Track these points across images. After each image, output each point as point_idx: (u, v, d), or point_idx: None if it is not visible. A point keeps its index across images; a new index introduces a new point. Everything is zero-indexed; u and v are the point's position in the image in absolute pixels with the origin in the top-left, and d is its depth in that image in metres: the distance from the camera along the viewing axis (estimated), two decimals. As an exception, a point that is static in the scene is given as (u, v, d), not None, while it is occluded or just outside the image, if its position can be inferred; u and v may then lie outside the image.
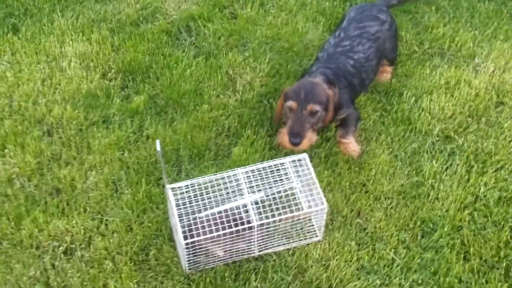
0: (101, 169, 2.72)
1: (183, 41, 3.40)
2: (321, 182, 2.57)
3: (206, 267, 2.33)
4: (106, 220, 2.53)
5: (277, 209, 2.26)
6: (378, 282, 2.27)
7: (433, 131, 2.78)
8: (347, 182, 2.59)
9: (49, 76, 3.20)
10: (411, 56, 3.19)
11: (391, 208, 2.49)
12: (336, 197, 2.53)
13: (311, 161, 2.56)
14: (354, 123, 2.76)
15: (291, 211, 2.27)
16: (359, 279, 2.27)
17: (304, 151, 2.51)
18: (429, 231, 2.41)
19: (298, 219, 2.32)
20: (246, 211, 2.28)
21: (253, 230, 2.23)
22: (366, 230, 2.43)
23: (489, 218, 2.44)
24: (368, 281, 2.27)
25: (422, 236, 2.40)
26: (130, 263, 2.36)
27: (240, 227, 2.21)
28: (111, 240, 2.44)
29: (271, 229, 2.30)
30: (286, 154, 2.63)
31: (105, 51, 3.30)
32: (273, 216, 2.25)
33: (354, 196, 2.54)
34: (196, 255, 2.27)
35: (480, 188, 2.52)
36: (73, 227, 2.49)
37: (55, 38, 3.39)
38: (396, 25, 3.06)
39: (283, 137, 2.65)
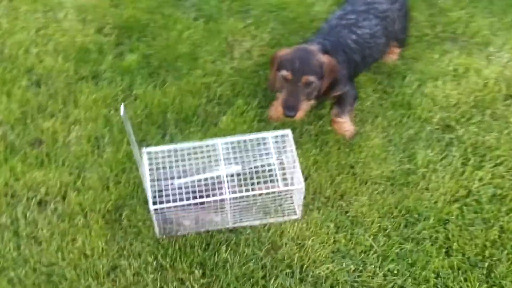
0: (85, 124, 2.73)
1: (185, 1, 3.37)
2: (307, 160, 2.56)
3: (178, 233, 2.34)
4: (83, 176, 2.55)
5: (252, 183, 2.26)
6: (352, 267, 2.26)
7: (433, 119, 2.75)
8: (335, 163, 2.57)
9: (44, 26, 3.23)
10: (421, 39, 3.14)
11: (377, 193, 2.48)
12: (321, 176, 2.52)
13: (300, 137, 2.57)
14: (351, 102, 2.73)
15: (266, 187, 2.26)
16: (332, 261, 2.27)
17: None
18: (413, 222, 2.39)
19: (275, 195, 2.31)
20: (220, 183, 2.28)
21: (225, 202, 2.22)
22: (348, 214, 2.42)
23: (479, 215, 2.41)
24: (342, 265, 2.27)
25: (405, 226, 2.38)
26: (102, 221, 2.38)
27: (211, 199, 2.21)
28: (85, 196, 2.47)
29: (246, 203, 2.29)
30: (275, 127, 2.62)
31: (104, 5, 3.32)
32: (247, 190, 2.25)
33: (340, 177, 2.53)
34: (166, 222, 2.28)
35: (474, 183, 2.49)
36: (50, 179, 2.53)
37: (55, -13, 3.39)
38: (408, 5, 3.01)
39: (277, 109, 2.64)
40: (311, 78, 2.51)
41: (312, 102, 2.61)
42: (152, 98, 2.82)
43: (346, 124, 2.69)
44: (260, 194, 2.28)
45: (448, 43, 3.13)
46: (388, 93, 2.86)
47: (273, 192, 2.28)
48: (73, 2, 3.33)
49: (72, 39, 3.13)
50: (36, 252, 2.30)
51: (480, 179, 2.51)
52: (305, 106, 2.56)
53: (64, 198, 2.49)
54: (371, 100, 2.82)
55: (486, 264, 2.25)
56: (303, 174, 2.39)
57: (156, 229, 2.31)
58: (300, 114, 2.54)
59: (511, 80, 2.91)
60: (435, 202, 2.43)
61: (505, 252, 2.27)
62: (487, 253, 2.27)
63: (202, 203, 2.22)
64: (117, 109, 2.81)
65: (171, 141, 2.64)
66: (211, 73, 2.96)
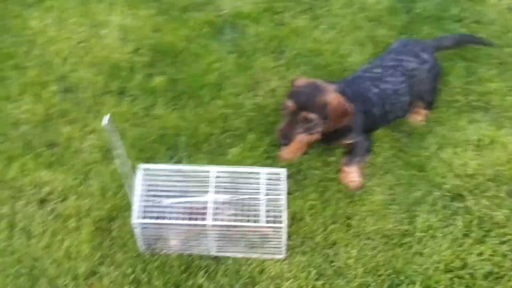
0: (101, 135, 2.93)
1: (225, 36, 3.58)
2: (305, 203, 2.64)
3: (162, 252, 2.45)
4: (87, 182, 2.73)
5: (235, 215, 2.36)
6: (326, 317, 2.29)
7: (445, 185, 2.76)
8: (331, 211, 2.63)
9: (86, 39, 3.50)
10: (451, 104, 3.19)
11: (368, 249, 2.51)
12: (315, 222, 2.58)
13: (304, 180, 2.66)
14: (361, 154, 2.80)
15: (247, 221, 2.35)
16: (306, 308, 2.31)
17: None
18: (398, 283, 2.40)
19: (256, 230, 2.40)
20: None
21: (207, 228, 2.33)
22: (333, 263, 2.47)
23: (471, 289, 2.40)
24: (315, 313, 2.30)
25: (388, 286, 2.40)
26: (93, 227, 2.54)
27: (193, 222, 2.32)
28: (83, 202, 2.65)
29: (229, 233, 2.39)
30: (282, 167, 2.71)
31: (147, 28, 3.57)
32: (229, 220, 2.35)
33: (333, 226, 2.58)
34: (151, 238, 2.41)
35: (472, 256, 2.48)
36: (55, 180, 2.73)
37: (105, 6, 3.68)
38: (439, 69, 3.08)
39: (287, 149, 2.76)
40: (311, 115, 2.59)
41: (313, 137, 2.70)
42: (169, 120, 2.99)
43: (352, 175, 2.75)
44: (242, 227, 2.36)
45: (479, 112, 3.15)
46: (404, 152, 2.91)
47: (254, 227, 2.35)
48: (119, 21, 3.60)
49: (108, 55, 3.38)
50: (25, 245, 2.48)
51: (480, 254, 2.49)
52: (301, 137, 2.66)
53: (64, 200, 2.67)
54: (385, 156, 2.87)
55: None
56: (297, 216, 2.53)
57: (140, 243, 2.43)
58: (294, 145, 2.68)
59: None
60: (426, 268, 2.44)
61: (489, 331, 2.24)
62: (470, 329, 2.25)
63: (186, 225, 2.32)
64: (134, 125, 2.99)
65: (178, 163, 2.77)
66: (231, 105, 3.11)
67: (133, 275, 2.39)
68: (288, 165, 2.81)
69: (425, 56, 2.98)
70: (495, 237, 2.55)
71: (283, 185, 2.43)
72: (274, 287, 2.39)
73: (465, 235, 2.56)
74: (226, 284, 2.38)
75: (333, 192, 2.71)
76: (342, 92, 2.70)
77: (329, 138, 2.75)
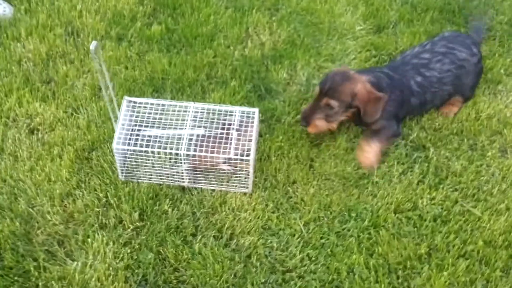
0: (95, 75, 3.12)
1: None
2: (273, 144, 2.76)
3: (139, 180, 2.63)
4: (75, 116, 2.93)
5: (207, 147, 2.51)
6: (275, 245, 2.44)
7: (411, 136, 2.85)
8: (296, 153, 2.75)
9: (96, -11, 3.68)
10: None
11: (325, 188, 2.63)
12: (280, 161, 2.71)
13: (276, 124, 2.78)
14: (387, 137, 2.77)
15: (218, 153, 2.50)
16: (259, 236, 2.46)
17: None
18: (347, 219, 2.52)
19: (226, 162, 2.55)
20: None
21: (179, 158, 2.51)
22: (291, 199, 2.60)
23: (416, 229, 2.50)
24: (266, 241, 2.45)
25: (339, 221, 2.52)
26: (74, 155, 2.73)
27: (168, 151, 2.49)
28: (69, 133, 2.84)
29: (201, 164, 2.56)
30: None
31: (153, -19, 3.72)
32: (200, 151, 2.50)
33: (296, 166, 2.71)
34: (127, 166, 2.62)
35: (423, 200, 2.57)
36: (46, 112, 2.93)
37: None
38: (482, 66, 3.03)
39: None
40: (332, 102, 2.60)
41: (333, 125, 2.72)
42: (159, 65, 3.15)
43: (369, 154, 2.73)
44: (211, 158, 2.51)
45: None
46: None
47: (223, 158, 2.50)
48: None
49: (114, 4, 3.55)
50: (10, 167, 2.69)
51: (432, 198, 2.59)
52: (319, 123, 2.68)
53: (52, 130, 2.87)
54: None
55: (405, 273, 2.34)
56: (264, 156, 2.69)
57: (118, 170, 2.62)
58: (312, 128, 2.70)
59: (506, 120, 2.93)
60: (377, 208, 2.55)
61: (427, 267, 2.35)
62: (409, 264, 2.36)
63: (160, 153, 2.49)
64: (126, 67, 3.17)
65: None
66: (220, 55, 3.25)
67: (105, 199, 2.57)
68: (265, 111, 2.93)
69: (475, 49, 2.92)
70: (449, 184, 2.63)
71: (255, 123, 2.56)
72: (233, 217, 2.53)
73: (420, 181, 2.65)
74: (188, 212, 2.54)
75: (300, 136, 2.82)
76: (376, 83, 2.67)
77: (359, 121, 2.76)
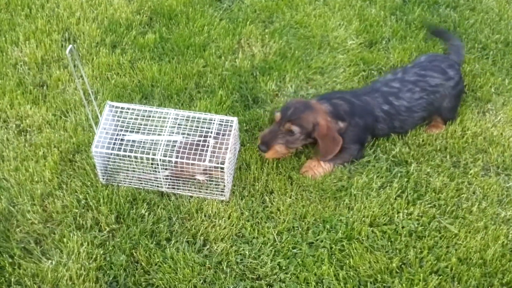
0: (88, 80, 3.20)
1: (223, 3, 3.79)
2: (254, 154, 2.81)
3: (119, 184, 2.69)
4: (63, 119, 3.00)
5: (183, 153, 2.56)
6: (247, 252, 2.47)
7: (393, 151, 2.87)
8: (276, 163, 2.79)
9: (96, -3, 3.78)
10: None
11: (302, 199, 2.66)
12: (259, 171, 2.75)
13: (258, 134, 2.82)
14: (345, 158, 2.81)
15: (193, 160, 2.54)
16: (232, 243, 2.49)
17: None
18: (321, 230, 2.54)
19: (201, 169, 2.59)
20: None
21: (156, 164, 2.57)
22: (267, 208, 2.63)
23: (391, 243, 2.51)
24: (239, 248, 2.48)
25: (313, 232, 2.54)
26: (58, 157, 2.80)
27: (144, 156, 2.55)
28: (56, 135, 2.91)
29: (178, 171, 2.61)
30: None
31: (150, -9, 3.82)
32: (176, 157, 2.56)
33: (276, 176, 2.74)
34: (107, 170, 2.67)
35: (399, 214, 2.59)
36: (36, 115, 3.01)
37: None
38: (463, 87, 3.06)
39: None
40: (294, 128, 2.66)
41: (291, 151, 2.79)
42: (149, 73, 3.23)
43: (320, 169, 2.77)
44: (187, 164, 2.56)
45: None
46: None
47: (198, 165, 2.55)
48: (127, -16, 3.87)
49: (111, 13, 3.65)
50: (-4, 166, 2.76)
51: (409, 214, 2.60)
52: (279, 148, 2.71)
53: (40, 131, 2.94)
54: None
55: (375, 286, 2.35)
56: (244, 165, 2.73)
57: (98, 173, 2.68)
58: (270, 153, 2.72)
59: (492, 139, 2.94)
60: (352, 221, 2.56)
61: (398, 281, 2.35)
62: (379, 278, 2.37)
63: (136, 158, 2.55)
64: (117, 74, 3.25)
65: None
66: (211, 64, 3.32)
67: (84, 201, 2.62)
68: (250, 120, 2.98)
69: (451, 72, 2.95)
70: (428, 200, 2.64)
71: (233, 131, 2.61)
72: (208, 224, 2.57)
73: (399, 196, 2.66)
74: (164, 216, 2.59)
75: (282, 147, 2.85)
76: (333, 111, 2.73)
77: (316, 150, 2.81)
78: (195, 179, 2.64)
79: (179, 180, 2.63)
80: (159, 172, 2.58)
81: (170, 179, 2.64)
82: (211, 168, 2.58)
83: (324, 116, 2.68)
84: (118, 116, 2.71)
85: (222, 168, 2.49)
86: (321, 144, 2.68)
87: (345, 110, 2.76)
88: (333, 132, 2.68)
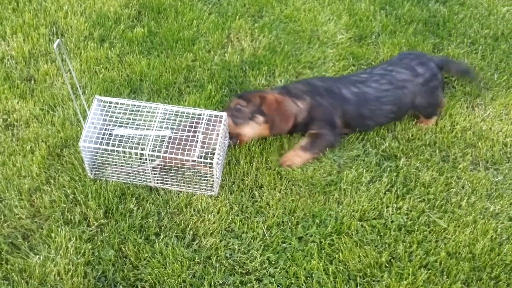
0: (76, 74, 3.18)
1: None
2: (244, 149, 2.80)
3: (108, 178, 2.68)
4: (51, 113, 2.98)
5: (172, 148, 2.55)
6: (236, 247, 2.47)
7: (382, 146, 2.87)
8: (265, 157, 2.79)
9: (83, -9, 3.76)
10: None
11: (292, 193, 2.66)
12: (249, 166, 2.74)
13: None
14: (321, 146, 2.83)
15: (182, 154, 2.54)
16: (222, 238, 2.49)
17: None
18: (310, 224, 2.55)
19: (190, 164, 2.58)
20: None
21: (145, 158, 2.55)
22: (256, 203, 2.63)
23: (380, 238, 2.51)
24: (228, 243, 2.48)
25: (302, 227, 2.54)
26: (45, 151, 2.78)
27: (133, 151, 2.54)
28: (44, 130, 2.89)
29: (165, 166, 2.61)
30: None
31: (138, -15, 3.80)
32: (165, 152, 2.55)
33: (266, 171, 2.74)
34: (95, 164, 2.67)
35: (389, 209, 2.60)
36: (23, 109, 2.99)
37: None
38: (438, 84, 3.02)
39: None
40: (240, 101, 2.81)
41: (243, 128, 2.83)
42: (138, 67, 3.21)
43: (298, 159, 2.80)
44: (175, 160, 2.55)
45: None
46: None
47: (186, 160, 2.54)
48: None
49: (100, 6, 3.63)
50: (-17, 162, 2.74)
51: (398, 208, 2.60)
52: (243, 131, 2.82)
53: (27, 126, 2.92)
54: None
55: (364, 280, 2.35)
56: (234, 160, 2.73)
57: (87, 168, 2.66)
58: (242, 139, 2.84)
59: (481, 133, 2.96)
60: (342, 215, 2.57)
61: (387, 275, 2.36)
62: (369, 272, 2.38)
63: (125, 152, 2.54)
64: (105, 68, 3.23)
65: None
66: (200, 59, 3.31)
67: (72, 196, 2.61)
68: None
69: (420, 69, 2.96)
70: (417, 195, 2.65)
71: (222, 127, 2.60)
72: (198, 218, 2.56)
73: (388, 191, 2.67)
74: (153, 211, 2.58)
75: (271, 143, 2.85)
76: (287, 91, 2.86)
77: (295, 129, 2.87)
78: (183, 169, 2.62)
79: (167, 173, 2.62)
80: (148, 163, 2.56)
81: (159, 172, 2.62)
82: (199, 163, 2.56)
83: (273, 94, 2.76)
84: (106, 111, 2.69)
85: (210, 163, 2.48)
86: (272, 119, 2.74)
87: (302, 89, 2.81)
88: (283, 105, 2.74)
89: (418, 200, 2.64)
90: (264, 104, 2.74)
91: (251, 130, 2.80)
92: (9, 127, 2.91)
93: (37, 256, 2.39)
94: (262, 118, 2.76)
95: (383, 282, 2.34)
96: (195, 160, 2.52)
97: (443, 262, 2.42)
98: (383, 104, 2.88)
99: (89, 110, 2.64)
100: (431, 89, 2.96)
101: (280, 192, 2.65)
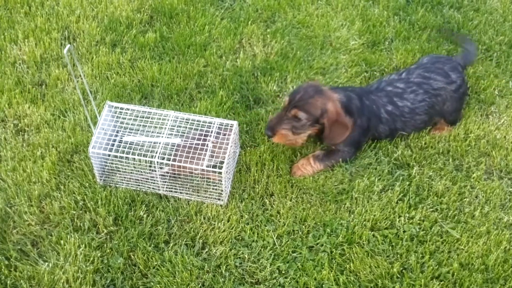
0: (87, 80, 3.18)
1: (225, 2, 3.76)
2: (255, 156, 2.78)
3: (117, 185, 2.67)
4: (62, 119, 2.98)
5: (181, 156, 2.53)
6: (246, 256, 2.44)
7: (395, 154, 2.84)
8: (276, 165, 2.76)
9: (96, -5, 3.76)
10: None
11: (303, 202, 2.63)
12: (259, 173, 2.72)
13: (260, 136, 2.79)
14: (336, 160, 2.79)
15: (191, 163, 2.52)
16: (232, 246, 2.47)
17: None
18: (321, 234, 2.52)
19: (199, 173, 2.57)
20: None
21: (154, 166, 2.54)
22: (267, 211, 2.60)
23: (392, 248, 2.48)
24: (238, 251, 2.45)
25: (313, 236, 2.52)
26: (56, 157, 2.77)
27: (142, 158, 2.53)
28: (54, 135, 2.88)
29: (175, 174, 2.61)
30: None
31: (151, -11, 3.79)
32: (174, 160, 2.53)
33: (277, 179, 2.71)
34: (104, 171, 2.66)
35: (401, 218, 2.56)
36: (34, 114, 2.99)
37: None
38: (466, 89, 2.99)
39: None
40: (301, 114, 2.58)
41: (301, 137, 2.68)
42: (149, 72, 3.20)
43: (309, 168, 2.76)
44: (184, 168, 2.53)
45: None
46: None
47: (195, 169, 2.52)
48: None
49: (112, 11, 3.62)
50: (-7, 166, 2.74)
51: (411, 218, 2.57)
52: (285, 132, 2.63)
53: (38, 131, 2.91)
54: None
55: (375, 293, 2.32)
56: (245, 167, 2.72)
57: (96, 174, 2.65)
58: (277, 138, 2.65)
59: (495, 142, 2.91)
60: (353, 224, 2.54)
61: (398, 286, 2.33)
62: (380, 283, 2.35)
63: (134, 160, 2.53)
64: (117, 73, 3.22)
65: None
66: (212, 64, 3.29)
67: (81, 202, 2.60)
68: (250, 121, 2.96)
69: (453, 75, 2.89)
70: (430, 204, 2.61)
71: (233, 136, 2.58)
72: (208, 226, 2.54)
73: (400, 200, 2.63)
74: (163, 219, 2.56)
75: (282, 150, 2.82)
76: (347, 104, 2.66)
77: (322, 138, 2.74)
78: (192, 178, 2.60)
79: (176, 180, 2.60)
80: (157, 170, 2.54)
81: (168, 179, 2.60)
82: (208, 172, 2.54)
83: (335, 104, 2.60)
84: (117, 117, 2.68)
85: (219, 172, 2.46)
86: (329, 130, 2.62)
87: (357, 106, 2.70)
88: (342, 117, 2.60)
89: (431, 209, 2.60)
90: (326, 116, 2.60)
91: (305, 137, 2.71)
92: (20, 132, 2.91)
93: (46, 263, 2.38)
94: (319, 126, 2.66)
95: (395, 293, 2.30)
96: (204, 169, 2.49)
97: (455, 274, 2.38)
98: (416, 114, 2.83)
99: (99, 116, 2.63)
100: (460, 95, 2.91)
101: (291, 201, 2.63)
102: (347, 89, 2.81)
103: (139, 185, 2.64)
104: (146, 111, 2.68)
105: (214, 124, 2.62)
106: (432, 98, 2.83)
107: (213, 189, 2.59)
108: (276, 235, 2.50)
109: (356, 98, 2.71)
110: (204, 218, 2.57)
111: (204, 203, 2.60)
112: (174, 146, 2.61)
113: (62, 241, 2.45)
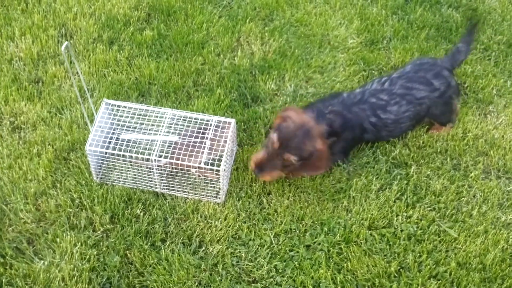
0: (83, 77, 3.16)
1: (222, 0, 3.75)
2: (252, 154, 2.77)
3: (114, 183, 2.66)
4: (58, 116, 2.96)
5: (179, 154, 2.52)
6: (243, 255, 2.44)
7: (393, 153, 2.83)
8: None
9: (93, -7, 3.74)
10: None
11: (300, 200, 2.62)
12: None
13: (258, 134, 2.78)
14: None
15: (189, 161, 2.51)
16: (228, 245, 2.46)
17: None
18: (318, 233, 2.51)
19: (196, 171, 2.55)
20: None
21: (151, 164, 2.53)
22: (264, 210, 2.59)
23: (389, 247, 2.48)
24: (235, 250, 2.45)
25: (310, 235, 2.51)
26: (53, 155, 2.76)
27: (139, 156, 2.52)
28: (51, 133, 2.87)
29: (172, 170, 2.59)
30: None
31: (148, -13, 3.77)
32: (171, 158, 2.52)
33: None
34: (101, 168, 2.65)
35: (398, 217, 2.56)
36: (31, 111, 2.97)
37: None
38: (454, 91, 2.92)
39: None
40: (293, 158, 2.53)
41: (287, 170, 2.64)
42: (147, 70, 3.19)
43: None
44: (182, 165, 2.52)
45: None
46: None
47: (193, 166, 2.51)
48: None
49: (109, 8, 3.61)
50: (-11, 165, 2.72)
51: (408, 217, 2.56)
52: (274, 173, 2.61)
53: (35, 129, 2.90)
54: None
55: (373, 291, 2.31)
56: (242, 166, 2.71)
57: (93, 172, 2.64)
58: (265, 177, 2.61)
59: (493, 141, 2.91)
60: (350, 223, 2.53)
61: (395, 286, 2.32)
62: (377, 282, 2.34)
63: (131, 158, 2.53)
64: (114, 71, 3.21)
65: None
66: (209, 62, 3.28)
67: (78, 200, 2.59)
68: (248, 120, 2.95)
69: (436, 83, 2.83)
70: (427, 203, 2.61)
71: (230, 133, 2.57)
72: (204, 224, 2.54)
73: (398, 199, 2.63)
74: (160, 217, 2.55)
75: (280, 147, 2.81)
76: (330, 130, 2.63)
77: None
78: (189, 175, 2.59)
79: (173, 178, 2.59)
80: (154, 163, 2.53)
81: (165, 176, 2.59)
82: (205, 170, 2.53)
83: (322, 141, 2.58)
84: (114, 114, 2.67)
85: (217, 170, 2.45)
86: (312, 164, 2.61)
87: (339, 124, 2.67)
88: (327, 154, 2.61)
89: (429, 209, 2.59)
90: (314, 157, 2.57)
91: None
92: (16, 130, 2.89)
93: (42, 261, 2.37)
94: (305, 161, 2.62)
95: (392, 293, 2.29)
96: (201, 166, 2.48)
97: (453, 273, 2.38)
98: (401, 123, 2.81)
99: (96, 113, 2.62)
100: (445, 100, 2.88)
101: (288, 199, 2.62)
102: (325, 105, 2.74)
103: (136, 183, 2.63)
104: (143, 109, 2.66)
105: (211, 121, 2.60)
106: (417, 107, 2.80)
107: (210, 187, 2.58)
108: (273, 234, 2.49)
109: (337, 118, 2.67)
110: (201, 217, 2.55)
111: (201, 201, 2.58)
112: (171, 143, 2.59)
113: (58, 239, 2.44)
